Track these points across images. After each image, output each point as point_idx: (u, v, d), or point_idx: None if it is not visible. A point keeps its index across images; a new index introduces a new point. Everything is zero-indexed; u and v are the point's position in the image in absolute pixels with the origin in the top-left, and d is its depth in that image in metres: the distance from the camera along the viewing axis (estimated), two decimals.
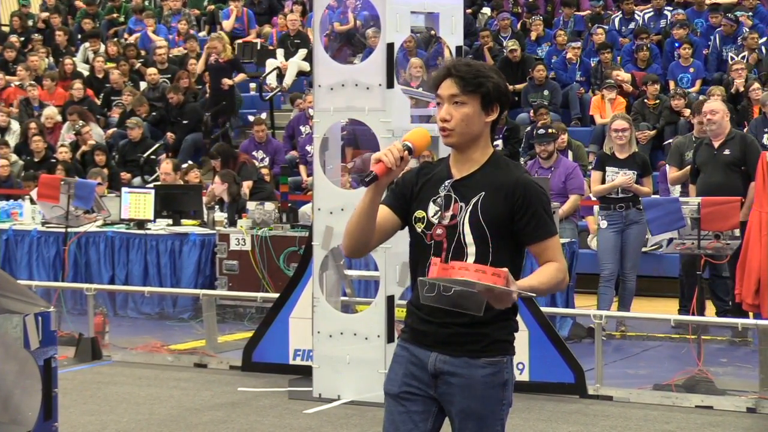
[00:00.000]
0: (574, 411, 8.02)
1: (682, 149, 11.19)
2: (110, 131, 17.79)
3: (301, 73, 18.75)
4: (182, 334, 11.07)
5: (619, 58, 17.22)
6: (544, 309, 8.69)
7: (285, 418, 7.84)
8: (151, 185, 14.10)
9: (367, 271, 9.97)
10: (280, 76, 18.82)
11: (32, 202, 12.86)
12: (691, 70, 16.38)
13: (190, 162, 15.03)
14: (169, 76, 18.47)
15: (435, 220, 3.95)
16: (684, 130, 14.20)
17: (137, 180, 16.22)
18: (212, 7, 22.37)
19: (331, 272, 8.55)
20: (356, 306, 9.46)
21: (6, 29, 23.67)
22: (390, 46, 8.04)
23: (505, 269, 3.62)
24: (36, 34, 21.95)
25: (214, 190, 12.76)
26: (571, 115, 16.42)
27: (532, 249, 3.94)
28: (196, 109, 17.48)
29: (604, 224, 10.73)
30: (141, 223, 12.30)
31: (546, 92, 16.37)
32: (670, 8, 18.46)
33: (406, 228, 4.05)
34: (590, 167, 12.21)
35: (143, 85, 18.88)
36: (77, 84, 18.41)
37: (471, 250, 3.89)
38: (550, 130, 11.50)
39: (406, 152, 3.83)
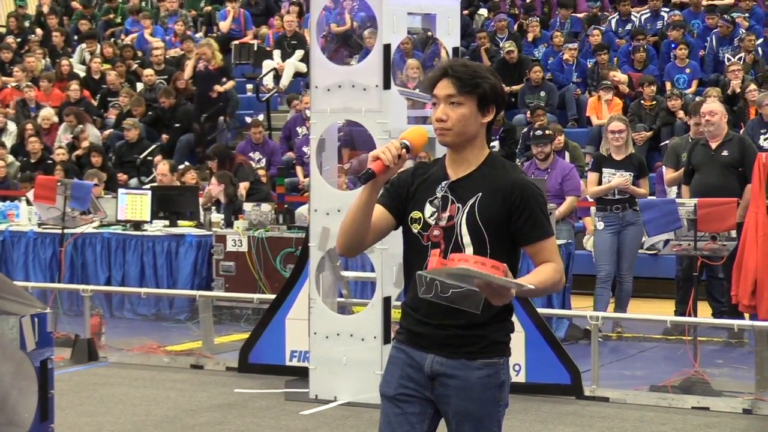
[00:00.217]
0: (570, 412, 8.02)
1: (679, 150, 11.19)
2: (107, 132, 17.80)
3: (297, 75, 18.74)
4: (179, 335, 11.07)
5: (615, 59, 17.23)
6: (540, 310, 8.70)
7: (281, 419, 7.84)
8: (148, 186, 14.09)
9: (363, 272, 9.97)
10: (277, 78, 18.81)
11: (29, 203, 12.85)
12: (687, 71, 16.39)
13: (187, 163, 15.02)
14: (166, 77, 18.47)
15: (432, 222, 3.95)
16: (680, 131, 14.21)
17: (134, 181, 16.22)
18: (209, 8, 22.36)
19: (327, 273, 8.55)
20: (353, 307, 9.46)
21: (2, 30, 23.65)
22: (387, 48, 8.04)
23: (504, 264, 3.63)
24: (33, 35, 21.95)
25: (211, 192, 12.75)
26: (567, 116, 16.43)
27: (528, 250, 3.94)
28: (188, 111, 17.46)
29: (600, 225, 10.74)
30: (137, 225, 12.30)
31: (543, 93, 16.38)
32: (667, 9, 18.46)
33: (401, 228, 4.05)
34: (587, 168, 12.22)
35: (140, 86, 18.88)
36: (74, 85, 18.39)
37: (468, 251, 3.88)
38: (546, 132, 11.50)
39: (404, 150, 3.83)
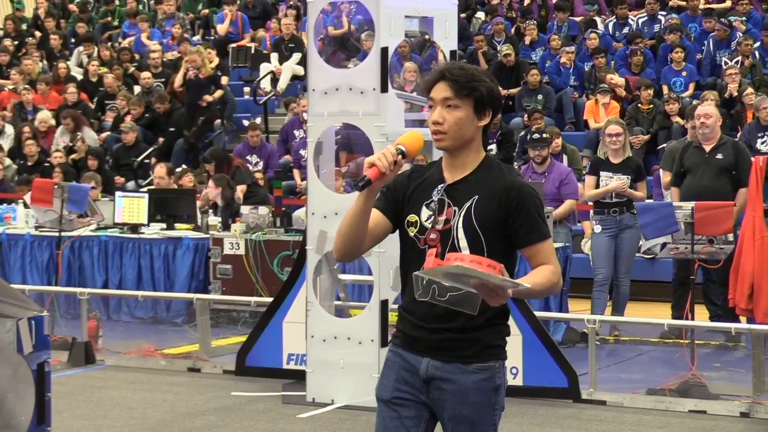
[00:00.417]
0: (567, 416, 8.02)
1: (676, 154, 11.19)
2: (104, 135, 17.79)
3: (295, 78, 18.74)
4: (176, 338, 11.07)
5: (613, 62, 17.25)
6: (537, 313, 8.70)
7: (278, 422, 7.84)
8: (145, 189, 14.09)
9: (360, 275, 9.96)
10: (274, 81, 18.81)
11: (26, 206, 12.84)
12: (684, 74, 16.40)
13: (184, 166, 15.02)
14: (163, 80, 18.47)
15: (428, 225, 3.94)
16: (678, 134, 14.22)
17: (131, 184, 16.21)
18: (206, 11, 22.36)
19: (324, 276, 8.55)
20: (350, 310, 9.45)
21: None
22: (384, 51, 8.04)
23: (501, 264, 3.61)
24: (30, 38, 21.94)
25: (208, 195, 12.75)
26: (565, 119, 16.44)
27: (525, 252, 3.93)
28: (183, 115, 17.44)
29: (598, 229, 10.74)
30: (135, 227, 12.29)
31: (540, 97, 16.39)
32: (664, 13, 18.48)
33: (397, 231, 4.05)
34: (585, 172, 12.22)
35: (137, 89, 18.87)
36: (71, 88, 18.39)
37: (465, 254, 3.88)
38: (543, 135, 11.50)
39: (400, 156, 3.82)
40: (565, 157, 13.61)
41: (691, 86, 16.29)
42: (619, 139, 10.65)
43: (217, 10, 21.90)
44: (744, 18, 17.56)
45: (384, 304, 8.05)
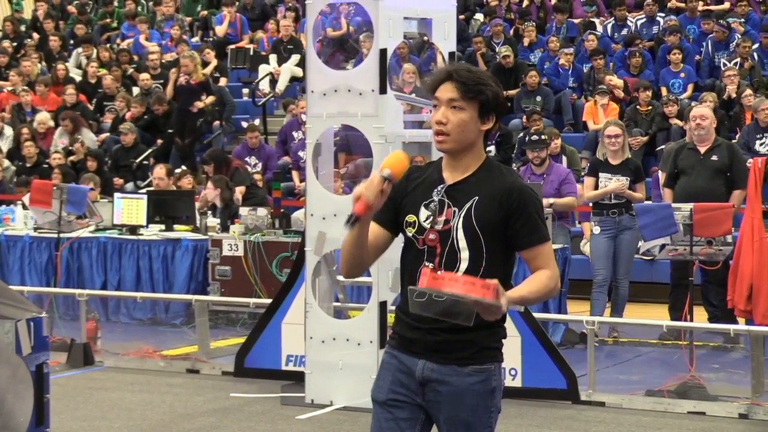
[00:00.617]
0: (566, 417, 8.02)
1: None
2: (103, 136, 17.79)
3: (293, 79, 18.74)
4: (174, 339, 11.06)
5: (611, 64, 17.25)
6: (536, 315, 8.70)
7: (277, 423, 7.84)
8: (144, 191, 14.09)
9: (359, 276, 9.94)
10: (273, 82, 18.81)
11: (24, 207, 12.84)
12: (682, 75, 16.40)
13: (183, 167, 15.02)
14: (162, 81, 18.46)
15: (427, 225, 3.92)
16: (676, 136, 14.22)
17: (130, 185, 16.21)
18: (205, 12, 22.36)
19: (323, 278, 8.55)
20: (349, 311, 9.46)
21: None
22: (383, 52, 8.04)
23: (495, 281, 3.60)
24: (29, 40, 21.94)
25: (207, 196, 12.75)
26: (563, 120, 16.44)
27: (524, 254, 3.92)
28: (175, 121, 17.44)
29: (597, 230, 10.75)
30: (133, 229, 12.29)
31: (538, 98, 16.39)
32: (663, 15, 18.48)
33: (400, 234, 4.04)
34: (584, 173, 12.22)
35: (136, 90, 18.88)
36: (70, 89, 18.39)
37: (464, 255, 3.87)
38: (542, 137, 11.50)
39: (386, 183, 3.80)
40: (564, 159, 13.63)
41: (690, 88, 16.30)
42: (618, 140, 10.65)
43: (215, 12, 21.90)
44: (742, 19, 17.57)
45: (383, 305, 8.05)
